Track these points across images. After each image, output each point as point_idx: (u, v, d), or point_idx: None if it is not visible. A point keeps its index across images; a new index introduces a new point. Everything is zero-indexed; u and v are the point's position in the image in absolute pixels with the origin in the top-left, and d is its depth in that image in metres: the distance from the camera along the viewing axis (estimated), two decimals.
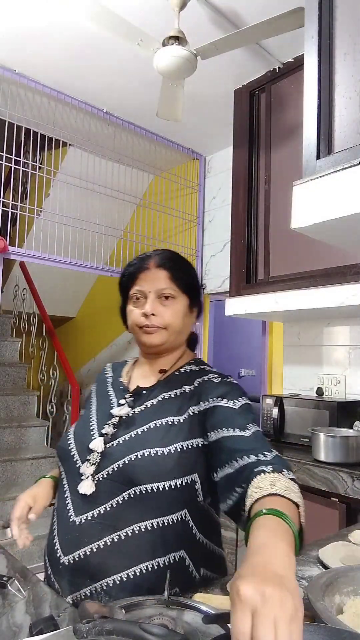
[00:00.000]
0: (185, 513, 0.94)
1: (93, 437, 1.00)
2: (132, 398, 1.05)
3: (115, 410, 1.03)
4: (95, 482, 0.94)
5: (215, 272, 3.63)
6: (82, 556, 0.91)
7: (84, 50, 2.55)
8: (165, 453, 0.92)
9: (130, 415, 1.01)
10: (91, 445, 0.98)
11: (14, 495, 3.07)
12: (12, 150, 2.92)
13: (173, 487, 0.91)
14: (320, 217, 1.01)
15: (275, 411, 2.40)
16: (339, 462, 1.92)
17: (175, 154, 3.73)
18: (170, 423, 0.96)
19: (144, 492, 0.90)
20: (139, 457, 0.92)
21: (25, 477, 3.36)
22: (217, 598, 0.82)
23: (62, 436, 1.09)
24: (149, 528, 0.90)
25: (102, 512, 0.92)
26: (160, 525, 0.91)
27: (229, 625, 0.66)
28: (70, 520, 0.95)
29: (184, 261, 1.11)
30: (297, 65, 2.48)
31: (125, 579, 0.89)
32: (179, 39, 1.97)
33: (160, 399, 1.02)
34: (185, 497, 0.93)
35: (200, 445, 0.94)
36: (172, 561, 0.91)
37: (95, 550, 0.90)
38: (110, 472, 0.93)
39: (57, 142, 3.24)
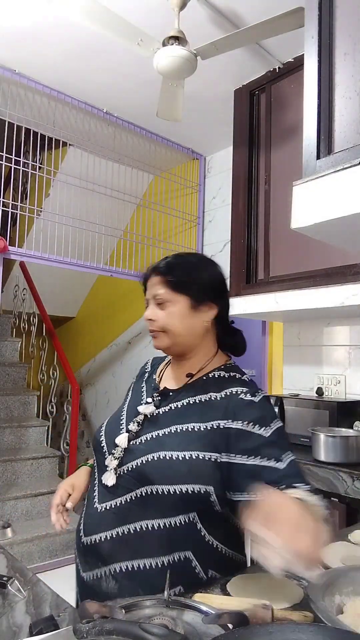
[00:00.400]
0: (194, 516, 0.94)
1: (121, 432, 1.04)
2: (159, 398, 1.06)
3: (142, 408, 1.05)
4: (117, 475, 0.98)
5: None
6: (97, 540, 0.98)
7: (84, 50, 2.55)
8: (181, 458, 0.93)
9: (155, 414, 1.03)
10: (116, 440, 1.02)
11: (14, 495, 3.07)
12: (12, 150, 2.92)
13: (184, 491, 0.91)
14: (320, 217, 1.01)
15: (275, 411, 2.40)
16: (339, 462, 1.92)
17: (175, 154, 3.73)
18: (191, 429, 0.96)
19: (155, 492, 0.92)
20: (156, 458, 0.94)
21: (25, 477, 3.36)
22: (217, 598, 0.82)
23: (98, 427, 1.14)
24: (155, 527, 0.93)
25: (118, 504, 0.97)
26: (167, 525, 0.93)
27: (229, 625, 0.66)
28: (94, 506, 1.01)
29: (185, 262, 1.09)
30: (297, 65, 2.48)
31: (130, 570, 0.93)
32: (179, 39, 1.97)
33: (185, 403, 1.02)
34: (197, 504, 0.93)
35: (218, 460, 0.92)
36: (176, 560, 0.93)
37: (107, 537, 0.96)
38: (130, 469, 0.97)
39: (57, 142, 3.25)
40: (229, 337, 1.13)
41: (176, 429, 0.98)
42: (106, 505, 0.98)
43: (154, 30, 2.05)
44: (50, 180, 3.43)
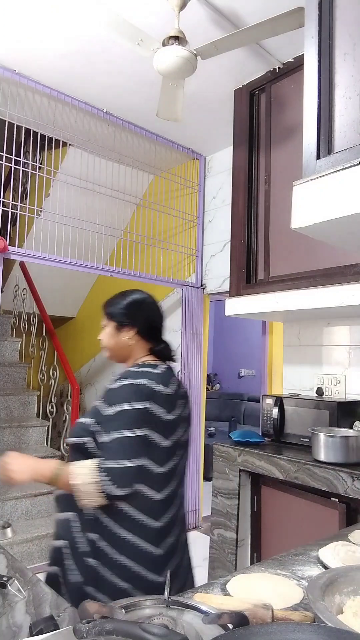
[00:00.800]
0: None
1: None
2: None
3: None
4: None
5: (215, 272, 3.63)
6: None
7: (84, 50, 2.55)
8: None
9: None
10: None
11: (14, 495, 3.07)
12: (12, 150, 2.92)
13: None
14: (320, 217, 1.01)
15: (275, 411, 2.40)
16: (339, 462, 1.92)
17: (175, 154, 3.73)
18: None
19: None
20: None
21: None
22: (217, 598, 0.82)
23: None
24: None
25: None
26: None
27: (229, 625, 0.66)
28: None
29: (113, 299, 1.45)
30: (297, 65, 2.48)
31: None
32: (179, 39, 1.97)
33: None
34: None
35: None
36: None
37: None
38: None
39: (57, 142, 3.24)
40: (158, 345, 1.42)
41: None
42: None
43: (154, 30, 2.05)
44: (50, 180, 3.43)
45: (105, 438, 1.17)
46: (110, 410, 1.19)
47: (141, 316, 1.41)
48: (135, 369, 1.30)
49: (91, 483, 1.11)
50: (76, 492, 1.13)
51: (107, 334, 1.42)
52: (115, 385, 1.23)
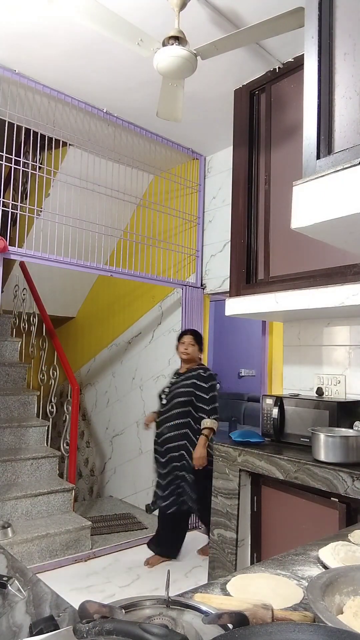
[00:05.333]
0: (190, 408, 2.92)
1: (166, 389, 3.08)
2: (178, 376, 3.08)
3: (173, 380, 3.09)
4: (166, 399, 3.01)
5: (215, 272, 3.63)
6: (164, 430, 2.98)
7: (84, 50, 2.55)
8: (184, 391, 2.96)
9: (177, 380, 3.04)
10: (166, 390, 3.07)
11: (14, 495, 3.07)
12: (12, 150, 2.92)
13: (186, 400, 2.93)
14: (320, 217, 1.01)
15: (275, 411, 2.40)
16: (339, 462, 1.92)
17: (175, 154, 3.73)
18: (186, 382, 2.97)
19: (177, 401, 2.94)
20: (178, 392, 2.97)
21: (25, 477, 3.37)
22: (217, 598, 0.82)
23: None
24: (180, 410, 2.92)
25: (168, 407, 2.97)
26: (183, 409, 2.92)
27: (229, 625, 0.66)
28: (163, 416, 3.02)
29: (198, 333, 3.11)
30: (297, 65, 2.48)
31: (178, 423, 2.94)
32: (179, 39, 1.97)
33: (186, 376, 2.99)
34: (190, 403, 2.92)
35: (192, 391, 2.92)
36: (184, 421, 2.92)
37: (170, 424, 2.96)
38: (170, 397, 2.99)
39: (57, 142, 3.25)
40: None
41: (183, 383, 2.97)
42: (164, 414, 2.98)
43: (154, 30, 2.05)
44: (50, 180, 3.43)
45: (205, 396, 2.87)
46: (206, 385, 2.90)
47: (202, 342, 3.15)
48: (205, 367, 3.03)
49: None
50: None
51: (193, 350, 3.03)
52: (206, 374, 2.93)
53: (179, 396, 2.91)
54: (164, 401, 2.98)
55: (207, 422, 2.83)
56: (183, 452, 2.90)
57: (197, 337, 3.05)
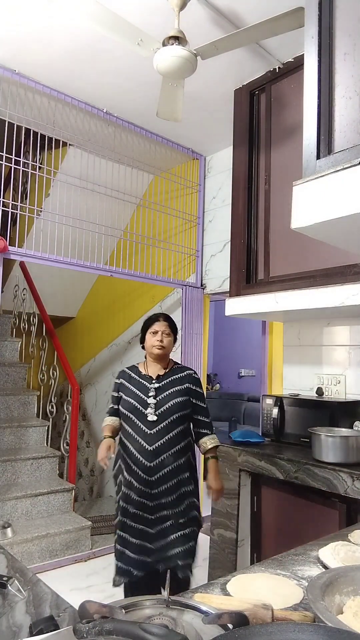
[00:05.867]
0: (189, 424, 2.09)
1: (148, 399, 2.01)
2: (157, 379, 2.08)
3: (154, 385, 2.05)
4: (156, 415, 1.97)
5: (215, 272, 3.63)
6: (162, 459, 1.94)
7: (84, 50, 2.55)
8: (182, 400, 2.03)
9: (161, 386, 2.05)
10: (150, 401, 2.00)
11: (14, 495, 3.07)
12: (12, 150, 2.92)
13: (187, 413, 2.05)
14: (320, 217, 1.01)
15: (275, 411, 2.40)
16: (339, 462, 1.92)
17: (175, 154, 3.73)
18: (179, 389, 2.05)
19: (177, 416, 1.99)
20: (174, 402, 2.01)
21: (25, 477, 3.36)
22: (217, 598, 0.82)
23: (123, 402, 2.07)
24: (179, 430, 2.00)
25: (160, 428, 1.96)
26: (182, 429, 2.02)
27: (229, 625, 0.66)
28: (148, 433, 1.97)
29: (172, 319, 2.22)
30: (297, 65, 2.48)
31: (172, 453, 1.99)
32: (179, 39, 1.97)
33: (171, 379, 2.08)
34: (189, 417, 2.08)
35: (190, 400, 2.06)
36: (186, 444, 2.03)
37: (160, 444, 1.95)
38: (162, 410, 1.99)
39: (57, 142, 3.24)
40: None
41: (175, 389, 2.05)
42: (156, 437, 1.95)
43: (154, 30, 2.05)
44: (50, 180, 3.43)
45: (204, 406, 2.12)
46: (201, 390, 2.14)
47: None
48: (187, 367, 2.26)
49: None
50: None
51: (169, 341, 2.12)
52: (197, 376, 2.17)
53: (175, 409, 1.98)
54: (153, 417, 1.95)
55: (213, 440, 2.06)
56: (187, 492, 1.99)
57: (173, 326, 2.15)
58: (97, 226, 3.26)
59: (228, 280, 2.84)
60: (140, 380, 2.07)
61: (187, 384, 2.05)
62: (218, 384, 7.18)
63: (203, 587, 0.92)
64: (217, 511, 2.37)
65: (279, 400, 2.43)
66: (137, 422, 1.96)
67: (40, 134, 3.15)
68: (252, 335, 6.31)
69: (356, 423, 2.20)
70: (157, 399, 1.99)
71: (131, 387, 2.06)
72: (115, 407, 2.11)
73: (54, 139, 3.24)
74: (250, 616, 0.68)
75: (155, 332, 2.07)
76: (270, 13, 1.90)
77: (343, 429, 2.11)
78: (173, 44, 1.97)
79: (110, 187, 3.41)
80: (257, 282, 2.59)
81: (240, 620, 0.66)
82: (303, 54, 1.12)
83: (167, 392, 2.01)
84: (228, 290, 2.78)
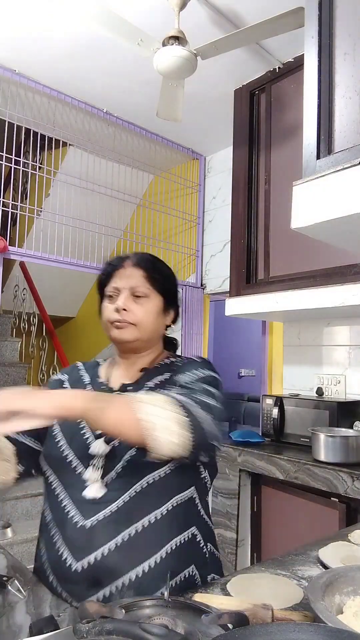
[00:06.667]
0: (194, 489, 0.98)
1: (89, 441, 0.96)
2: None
3: None
4: (105, 484, 0.92)
5: (215, 272, 3.63)
6: (96, 559, 0.88)
7: (84, 50, 2.55)
8: None
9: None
10: (93, 450, 0.94)
11: (14, 495, 3.07)
12: (12, 150, 2.92)
13: (179, 466, 0.92)
14: (320, 217, 1.01)
15: (275, 411, 2.40)
16: (339, 462, 1.92)
17: (175, 154, 3.73)
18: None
19: (156, 478, 0.91)
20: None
21: None
22: (217, 598, 0.82)
23: (47, 442, 1.02)
24: (164, 512, 0.91)
25: (114, 509, 0.90)
26: (175, 505, 0.93)
27: (229, 625, 0.66)
28: (78, 526, 0.90)
29: (163, 264, 1.12)
30: (297, 65, 2.48)
31: (144, 571, 0.88)
32: (179, 39, 1.97)
33: (146, 389, 1.01)
34: (191, 473, 0.98)
35: None
36: (185, 540, 0.94)
37: (111, 549, 0.88)
38: (120, 470, 0.92)
39: (57, 142, 3.24)
40: (168, 338, 1.19)
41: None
42: (97, 517, 0.89)
43: (154, 30, 2.05)
44: (50, 180, 3.43)
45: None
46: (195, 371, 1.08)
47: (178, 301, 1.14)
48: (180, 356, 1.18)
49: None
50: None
51: (148, 308, 1.04)
52: (197, 359, 1.12)
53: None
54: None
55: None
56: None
57: (159, 275, 1.09)
58: (97, 226, 3.26)
59: (228, 280, 2.84)
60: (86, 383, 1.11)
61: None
62: None
63: (203, 587, 0.92)
64: (217, 511, 2.37)
65: (279, 400, 2.43)
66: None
67: (40, 134, 3.14)
68: (252, 335, 6.31)
69: (356, 423, 2.20)
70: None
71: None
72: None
73: (54, 139, 3.24)
74: (250, 616, 0.68)
75: (114, 295, 1.06)
76: (270, 13, 1.90)
77: (343, 429, 2.11)
78: (173, 44, 1.97)
79: (110, 187, 3.41)
80: (257, 282, 2.59)
81: (240, 620, 0.66)
82: (303, 54, 1.12)
83: None
84: (228, 290, 2.78)
